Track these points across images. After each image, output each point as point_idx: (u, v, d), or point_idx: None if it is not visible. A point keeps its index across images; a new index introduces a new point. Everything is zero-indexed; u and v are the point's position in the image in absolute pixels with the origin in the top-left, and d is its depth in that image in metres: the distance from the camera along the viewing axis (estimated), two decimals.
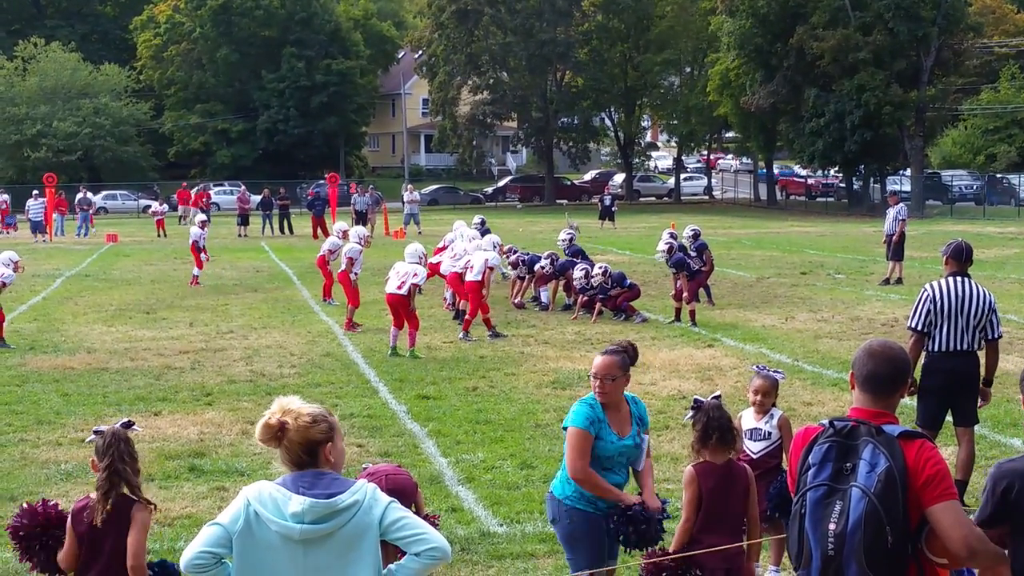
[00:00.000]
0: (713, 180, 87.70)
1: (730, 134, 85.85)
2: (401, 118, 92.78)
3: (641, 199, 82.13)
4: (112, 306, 24.98)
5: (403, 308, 18.19)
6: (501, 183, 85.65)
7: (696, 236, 23.34)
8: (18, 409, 14.48)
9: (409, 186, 55.75)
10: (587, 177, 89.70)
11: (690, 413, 6.97)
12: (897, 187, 67.90)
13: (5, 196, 56.80)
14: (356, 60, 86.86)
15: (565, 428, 6.88)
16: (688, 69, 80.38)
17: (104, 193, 70.90)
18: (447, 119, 79.79)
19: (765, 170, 79.38)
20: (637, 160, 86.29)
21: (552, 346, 19.02)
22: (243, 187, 60.78)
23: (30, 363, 17.80)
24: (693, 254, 22.36)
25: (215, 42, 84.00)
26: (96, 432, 6.17)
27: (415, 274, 18.29)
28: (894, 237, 28.07)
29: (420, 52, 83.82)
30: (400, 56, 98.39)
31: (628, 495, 6.88)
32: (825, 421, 4.79)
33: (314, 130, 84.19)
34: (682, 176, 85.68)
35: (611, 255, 37.53)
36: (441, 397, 14.80)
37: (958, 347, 10.23)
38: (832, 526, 4.55)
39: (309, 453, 4.66)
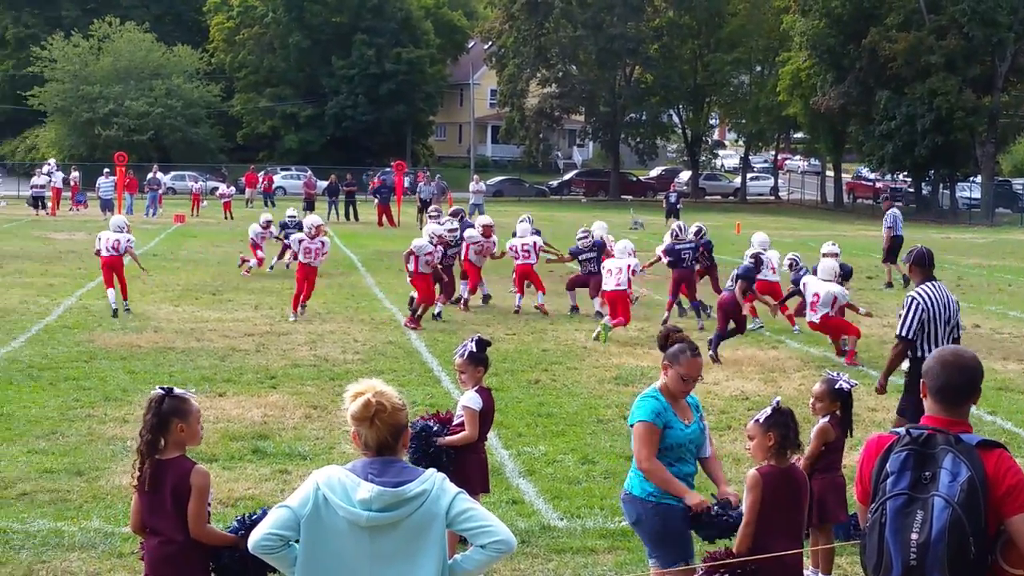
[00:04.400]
0: (780, 181, 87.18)
1: (799, 135, 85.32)
2: (469, 108, 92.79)
3: (707, 197, 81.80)
4: (179, 286, 25.22)
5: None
6: (566, 176, 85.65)
7: (699, 233, 22.55)
8: (86, 385, 14.66)
9: (476, 177, 55.85)
10: (653, 173, 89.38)
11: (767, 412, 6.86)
12: (967, 193, 67.26)
13: (76, 174, 57.45)
14: (426, 49, 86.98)
15: (632, 425, 6.91)
16: (758, 68, 79.90)
17: (173, 174, 71.47)
18: (515, 111, 79.82)
19: (833, 172, 78.76)
20: (704, 158, 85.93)
21: (614, 342, 18.97)
22: (309, 172, 61.22)
23: (98, 340, 18.01)
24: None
25: (287, 27, 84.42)
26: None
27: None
28: (883, 243, 28.80)
29: (490, 43, 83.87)
30: (470, 46, 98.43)
31: (692, 492, 6.86)
32: (899, 429, 4.76)
33: (382, 118, 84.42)
34: (748, 176, 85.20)
35: None
36: (504, 389, 14.81)
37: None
38: (915, 536, 4.52)
39: (394, 436, 4.72)
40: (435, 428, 8.51)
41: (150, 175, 54.06)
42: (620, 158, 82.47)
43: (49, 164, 57.49)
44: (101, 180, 50.61)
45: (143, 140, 76.55)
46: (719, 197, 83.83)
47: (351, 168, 63.61)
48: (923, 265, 10.88)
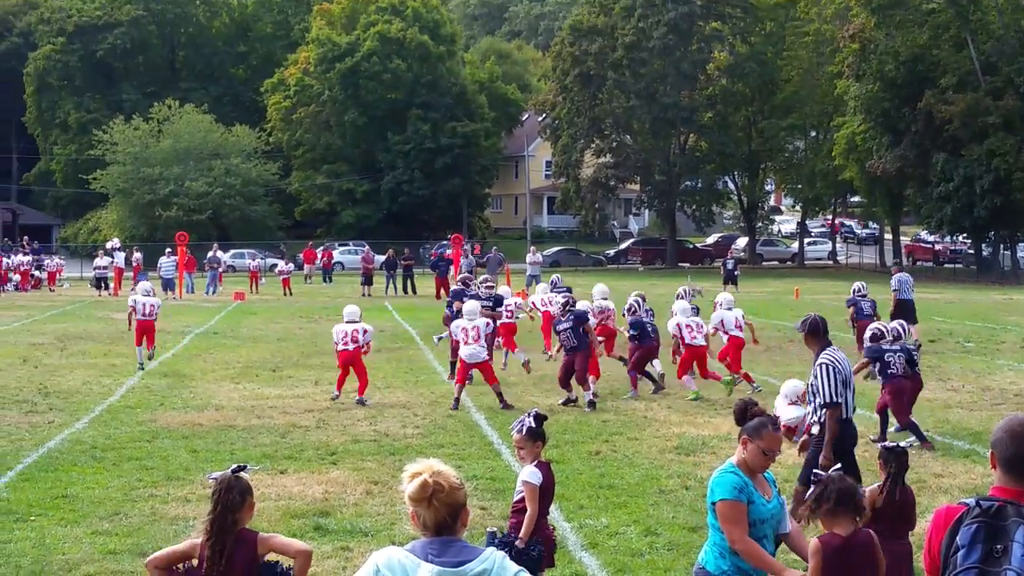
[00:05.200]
0: (838, 245, 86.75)
1: (855, 199, 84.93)
2: (524, 180, 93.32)
3: (764, 263, 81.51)
4: (239, 363, 25.36)
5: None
6: (623, 245, 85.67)
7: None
8: (148, 464, 14.74)
9: (533, 248, 56.01)
10: (710, 240, 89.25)
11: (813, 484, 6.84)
12: None
13: (139, 254, 58.14)
14: (480, 122, 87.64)
15: (713, 503, 6.71)
16: (813, 133, 79.77)
17: (232, 251, 72.19)
18: (570, 181, 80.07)
19: (891, 235, 78.29)
20: (760, 224, 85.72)
21: (675, 411, 18.87)
22: (367, 247, 61.57)
23: (160, 419, 18.13)
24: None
25: (343, 104, 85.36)
26: (211, 478, 6.23)
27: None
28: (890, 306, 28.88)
29: (544, 115, 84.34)
30: (524, 119, 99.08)
31: (791, 570, 6.73)
32: (969, 500, 4.67)
33: (438, 191, 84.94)
34: (806, 240, 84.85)
35: None
36: (564, 461, 14.73)
37: (850, 414, 11.10)
38: None
39: (452, 516, 4.68)
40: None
41: (210, 253, 54.63)
42: (676, 226, 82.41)
43: (113, 242, 58.25)
44: (162, 260, 51.21)
45: (203, 219, 77.51)
46: (777, 263, 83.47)
47: (408, 242, 64.00)
48: (817, 333, 11.23)
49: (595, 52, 76.42)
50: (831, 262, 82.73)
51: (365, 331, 20.26)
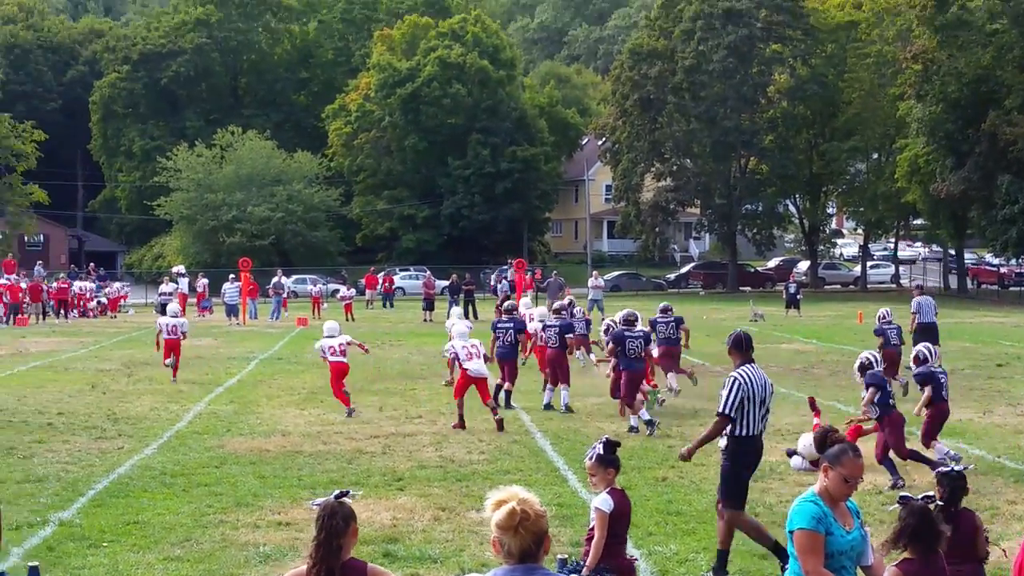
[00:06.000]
0: (901, 268, 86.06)
1: (918, 221, 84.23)
2: (584, 204, 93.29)
3: (826, 287, 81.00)
4: (304, 389, 25.51)
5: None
6: (684, 269, 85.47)
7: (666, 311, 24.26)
8: (217, 491, 14.85)
9: (595, 272, 55.97)
10: (771, 264, 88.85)
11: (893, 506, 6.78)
12: None
13: (204, 280, 58.65)
14: (540, 147, 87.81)
15: (791, 532, 6.67)
16: (875, 155, 79.21)
17: (294, 277, 72.74)
18: (630, 205, 79.99)
19: (955, 258, 77.58)
20: (822, 247, 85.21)
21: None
22: (428, 272, 61.78)
23: (227, 445, 18.26)
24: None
25: (403, 130, 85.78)
26: (314, 504, 6.25)
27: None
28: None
29: (604, 139, 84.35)
30: (584, 143, 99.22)
31: None
32: None
33: (498, 216, 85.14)
34: (868, 264, 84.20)
35: (797, 344, 37.01)
36: (631, 487, 14.67)
37: (756, 431, 11.20)
38: None
39: (536, 543, 4.72)
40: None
41: (275, 279, 55.04)
42: (737, 249, 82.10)
43: (178, 268, 58.84)
44: (226, 286, 51.61)
45: (265, 245, 78.14)
46: (839, 286, 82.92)
47: (468, 267, 64.14)
48: (740, 348, 11.43)
49: (655, 76, 76.40)
50: (894, 285, 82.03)
51: (349, 342, 22.32)
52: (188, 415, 21.61)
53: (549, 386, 22.48)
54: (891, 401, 15.82)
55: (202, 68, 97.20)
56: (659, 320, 23.99)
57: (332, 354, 21.81)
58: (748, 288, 77.79)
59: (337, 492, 6.16)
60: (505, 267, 63.01)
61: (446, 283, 56.29)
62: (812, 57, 77.32)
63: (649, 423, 19.24)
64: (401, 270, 77.56)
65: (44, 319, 51.64)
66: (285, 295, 55.06)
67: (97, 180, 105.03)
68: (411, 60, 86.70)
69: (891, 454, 15.38)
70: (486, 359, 20.64)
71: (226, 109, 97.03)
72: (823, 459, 6.77)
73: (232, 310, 49.87)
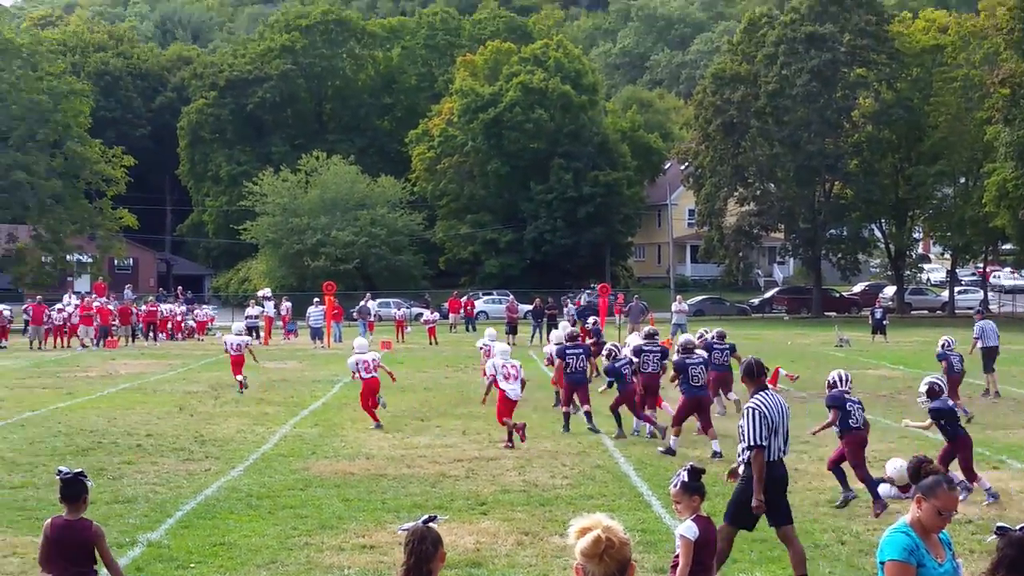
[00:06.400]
0: (990, 294, 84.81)
1: (1007, 246, 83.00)
2: (667, 228, 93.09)
3: (913, 312, 79.98)
4: (388, 412, 25.60)
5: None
6: (768, 294, 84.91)
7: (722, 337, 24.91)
8: (302, 513, 14.96)
9: (679, 297, 55.80)
10: (856, 289, 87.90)
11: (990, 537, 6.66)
12: None
13: (288, 303, 59.21)
14: (623, 171, 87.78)
15: (882, 562, 6.55)
16: (962, 179, 78.23)
17: (378, 300, 73.15)
18: (713, 230, 79.69)
19: None
20: (908, 272, 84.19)
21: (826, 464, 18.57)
22: (511, 297, 61.88)
23: (312, 468, 18.40)
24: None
25: (486, 155, 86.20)
26: (402, 529, 6.29)
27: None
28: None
29: (686, 163, 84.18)
30: (666, 167, 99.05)
31: None
32: None
33: (580, 240, 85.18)
34: (956, 289, 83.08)
35: (883, 370, 36.59)
36: (715, 513, 14.58)
37: (777, 457, 11.30)
38: None
39: (621, 571, 4.72)
40: None
41: (361, 303, 55.44)
42: (822, 274, 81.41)
43: (264, 292, 59.47)
44: (311, 309, 52.01)
45: (349, 268, 78.71)
46: (926, 312, 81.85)
47: (551, 291, 64.17)
48: (752, 376, 11.63)
49: (738, 100, 76.17)
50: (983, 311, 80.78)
51: (377, 363, 24.08)
52: (274, 438, 21.81)
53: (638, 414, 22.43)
54: (851, 421, 15.67)
55: (287, 94, 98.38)
56: (715, 345, 24.50)
57: (366, 371, 23.46)
58: (833, 313, 77.06)
59: (425, 517, 6.20)
60: (574, 293, 62.96)
61: (529, 307, 56.34)
62: (897, 81, 76.57)
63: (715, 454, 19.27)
64: (484, 294, 77.79)
65: (133, 341, 52.39)
66: (371, 319, 55.35)
67: (185, 204, 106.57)
68: (494, 85, 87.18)
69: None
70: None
71: (311, 134, 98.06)
72: (916, 490, 6.66)
73: (317, 333, 50.25)
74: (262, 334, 53.56)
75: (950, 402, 16.47)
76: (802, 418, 22.47)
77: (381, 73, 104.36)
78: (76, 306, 52.03)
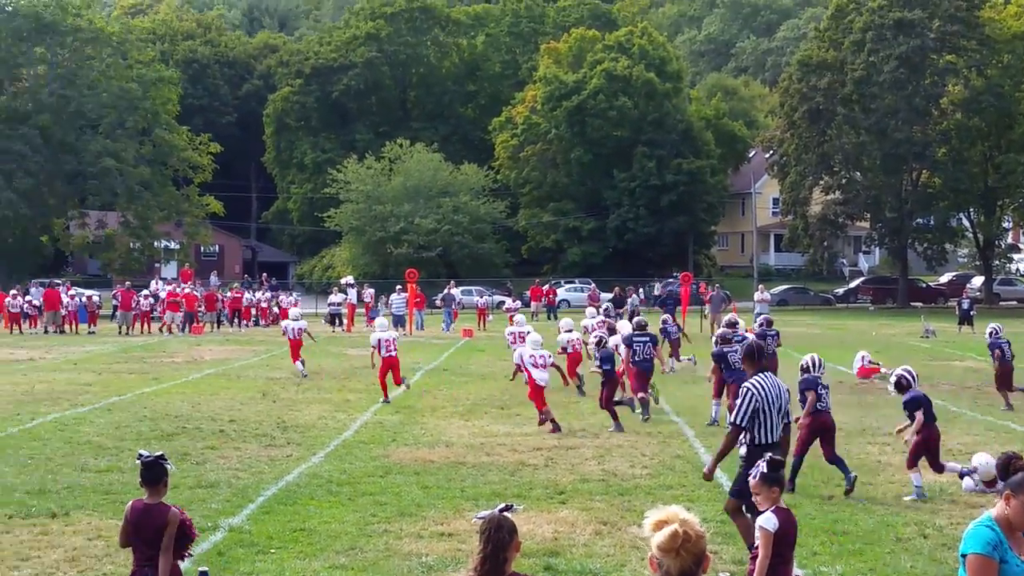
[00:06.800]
0: None
1: None
2: (751, 217, 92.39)
3: (1001, 303, 78.75)
4: (468, 400, 25.72)
5: None
6: (853, 284, 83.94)
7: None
8: (382, 500, 15.05)
9: (761, 286, 55.40)
10: (943, 279, 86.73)
11: None
12: None
13: (371, 291, 59.56)
14: (707, 160, 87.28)
15: (963, 555, 6.41)
16: None
17: (460, 288, 73.39)
18: (798, 218, 78.97)
19: None
20: (997, 262, 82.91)
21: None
22: (593, 285, 61.80)
23: (392, 455, 18.50)
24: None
25: (569, 142, 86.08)
26: (478, 517, 6.31)
27: None
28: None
29: (771, 151, 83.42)
30: (751, 155, 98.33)
31: None
32: None
33: (663, 229, 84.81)
34: None
35: (970, 361, 36.04)
36: (796, 505, 14.45)
37: (773, 439, 11.48)
38: None
39: (696, 564, 4.72)
40: None
41: (446, 291, 55.71)
42: (908, 264, 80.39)
43: (347, 279, 59.88)
44: (393, 297, 52.29)
45: (432, 256, 78.98)
46: (1015, 303, 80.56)
47: (633, 279, 63.96)
48: (752, 358, 11.91)
49: (824, 87, 75.33)
50: None
51: (395, 338, 26.23)
52: (355, 424, 21.96)
53: (714, 401, 22.27)
54: (820, 405, 15.87)
55: (372, 82, 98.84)
56: (766, 333, 25.21)
57: (387, 350, 25.44)
58: (919, 304, 76.16)
59: (502, 505, 6.21)
60: (671, 280, 62.61)
61: (609, 295, 56.22)
62: (988, 68, 75.25)
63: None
64: (566, 282, 77.72)
65: (219, 328, 52.98)
66: (455, 307, 55.55)
67: (270, 192, 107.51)
68: (577, 73, 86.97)
69: None
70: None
71: (395, 122, 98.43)
72: (1006, 486, 6.51)
73: (399, 320, 50.48)
74: (344, 321, 53.93)
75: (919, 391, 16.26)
76: (885, 409, 22.28)
77: (465, 60, 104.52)
78: (165, 292, 52.86)
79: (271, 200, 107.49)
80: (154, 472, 8.35)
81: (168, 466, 8.41)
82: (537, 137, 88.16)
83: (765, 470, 8.42)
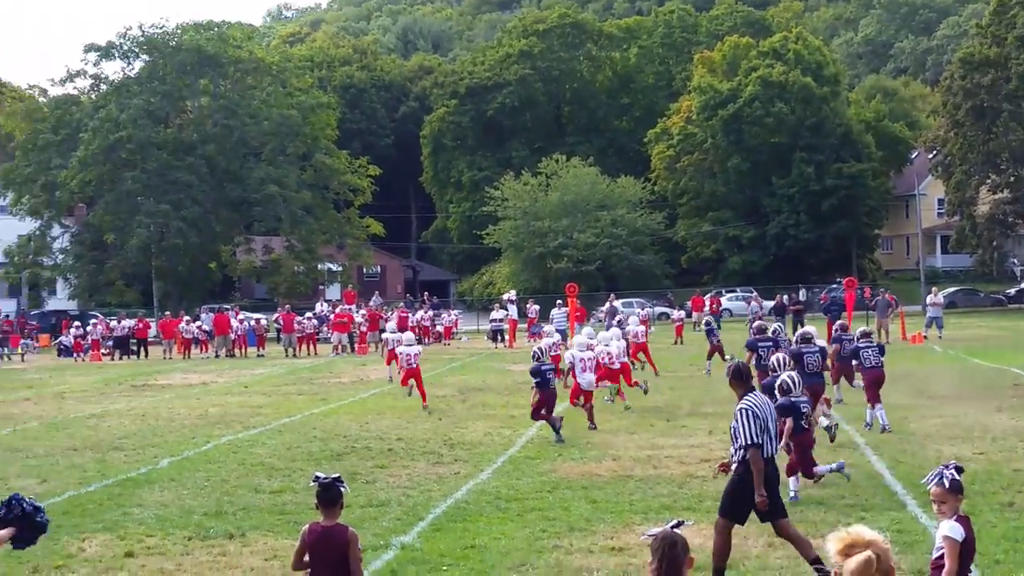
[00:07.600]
0: None
1: None
2: (915, 219, 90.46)
3: None
4: (634, 413, 25.58)
5: None
6: None
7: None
8: (550, 515, 15.01)
9: (934, 289, 54.21)
10: None
11: None
12: None
13: (535, 307, 59.80)
14: (867, 162, 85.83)
15: None
16: None
17: (621, 300, 73.20)
18: (965, 219, 77.11)
19: None
20: None
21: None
22: (755, 293, 61.12)
23: (559, 470, 18.47)
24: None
25: (726, 151, 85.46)
26: (648, 535, 6.25)
27: None
28: None
29: (935, 152, 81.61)
30: (913, 156, 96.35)
31: None
32: None
33: (825, 234, 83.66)
34: None
35: None
36: (975, 512, 14.04)
37: (768, 455, 11.62)
38: None
39: None
40: None
41: (607, 304, 55.67)
42: None
43: (509, 295, 60.19)
44: (554, 311, 52.35)
45: (591, 270, 79.01)
46: None
47: (795, 286, 63.10)
48: (740, 378, 12.00)
49: (988, 84, 73.43)
50: None
51: (418, 353, 28.37)
52: (520, 440, 22.00)
53: (869, 407, 21.86)
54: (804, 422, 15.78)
55: (526, 99, 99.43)
56: (843, 337, 25.58)
57: (408, 362, 27.90)
58: None
59: (673, 521, 6.15)
60: (835, 286, 61.62)
61: (771, 303, 55.57)
62: None
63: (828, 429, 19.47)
64: (728, 291, 77.08)
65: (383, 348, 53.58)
66: (616, 319, 55.38)
67: (429, 211, 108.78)
68: (732, 81, 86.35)
69: None
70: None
71: (550, 137, 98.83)
72: None
73: (561, 335, 50.47)
74: (507, 337, 54.17)
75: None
76: None
77: (619, 73, 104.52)
78: (331, 314, 53.86)
79: (430, 219, 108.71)
80: (331, 494, 8.42)
81: (343, 487, 8.49)
82: (693, 147, 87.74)
83: (956, 476, 8.17)
